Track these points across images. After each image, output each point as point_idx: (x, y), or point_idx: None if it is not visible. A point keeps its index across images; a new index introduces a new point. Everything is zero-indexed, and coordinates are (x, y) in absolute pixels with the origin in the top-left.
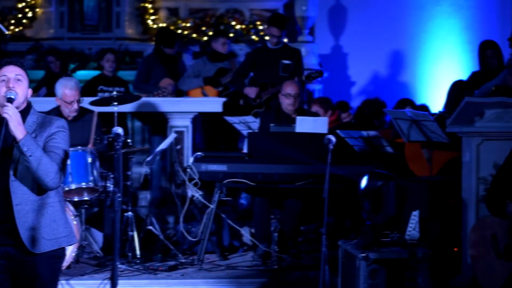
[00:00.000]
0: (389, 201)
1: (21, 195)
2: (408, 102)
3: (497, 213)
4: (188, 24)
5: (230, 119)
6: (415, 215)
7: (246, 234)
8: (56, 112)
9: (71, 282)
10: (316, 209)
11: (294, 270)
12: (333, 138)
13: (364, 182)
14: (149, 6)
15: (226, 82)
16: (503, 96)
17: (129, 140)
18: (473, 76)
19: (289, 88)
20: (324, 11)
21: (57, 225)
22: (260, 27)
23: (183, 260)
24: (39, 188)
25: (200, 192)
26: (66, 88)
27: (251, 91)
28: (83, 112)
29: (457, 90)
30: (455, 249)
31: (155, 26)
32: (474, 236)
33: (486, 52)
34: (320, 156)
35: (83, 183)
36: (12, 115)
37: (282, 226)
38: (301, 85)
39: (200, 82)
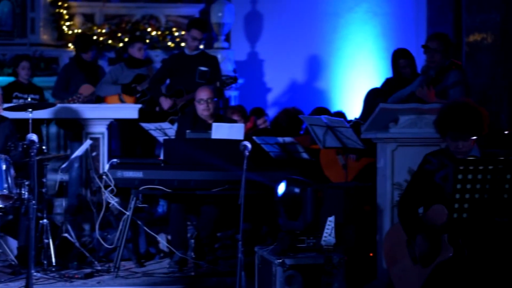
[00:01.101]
0: (306, 207)
1: None
2: (323, 111)
3: (406, 222)
4: (104, 30)
5: (146, 125)
6: (330, 221)
7: (162, 240)
8: None
9: None
10: (233, 215)
11: (210, 276)
12: (248, 145)
13: (281, 188)
14: (64, 12)
15: (143, 88)
16: (417, 102)
17: (44, 147)
18: (387, 82)
19: (202, 94)
20: (240, 17)
21: None
22: (176, 34)
23: (99, 268)
24: None
25: (116, 199)
26: None
27: (165, 103)
28: None
29: (372, 98)
30: (371, 254)
31: (70, 32)
32: (389, 241)
33: (399, 61)
34: (236, 162)
35: None
36: None
37: (198, 232)
38: (216, 91)
39: (118, 89)
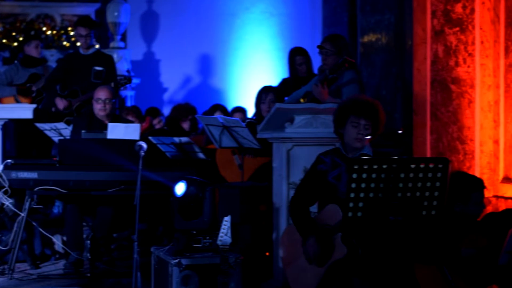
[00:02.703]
0: (205, 207)
1: None
2: (218, 108)
3: (299, 222)
4: None
5: (40, 126)
6: (226, 221)
7: (58, 242)
8: None
9: None
10: (129, 216)
11: (107, 277)
12: (144, 145)
13: (178, 188)
14: None
15: (38, 87)
16: (313, 102)
17: None
18: (283, 82)
19: (100, 93)
20: (136, 17)
21: None
22: (72, 33)
23: None
24: None
25: (11, 200)
26: None
27: (60, 103)
28: None
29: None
30: (267, 253)
31: None
32: (285, 241)
33: (295, 58)
34: (132, 163)
35: None
36: None
37: (94, 233)
38: (114, 91)
39: (13, 91)
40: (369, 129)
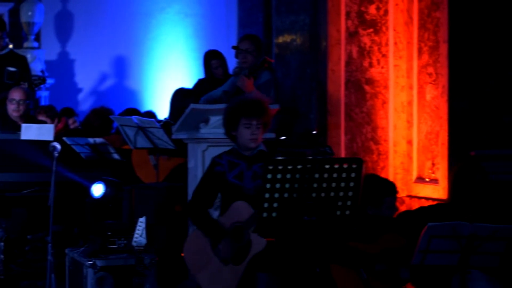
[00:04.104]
0: (122, 208)
1: None
2: (133, 112)
3: (206, 226)
4: None
5: None
6: (142, 222)
7: None
8: None
9: None
10: (43, 217)
11: (21, 279)
12: (58, 146)
13: (95, 189)
14: None
15: None
16: (237, 95)
17: None
18: (199, 83)
19: (15, 94)
20: (51, 17)
21: None
22: None
23: None
24: None
25: None
26: None
27: None
28: None
29: (179, 97)
30: (182, 254)
31: None
32: (190, 249)
33: (211, 62)
34: (47, 164)
35: None
36: None
37: (8, 235)
38: (29, 92)
39: None
40: (261, 127)
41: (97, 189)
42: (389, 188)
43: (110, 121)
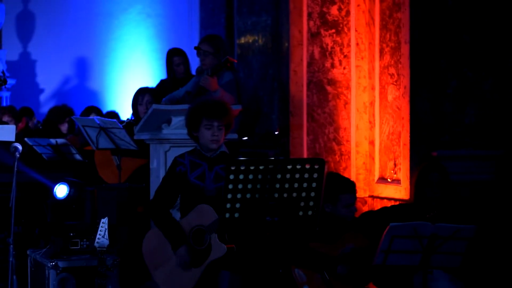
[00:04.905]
0: (85, 209)
1: None
2: (93, 110)
3: (164, 226)
4: None
5: None
6: (104, 222)
7: None
8: None
9: None
10: (4, 218)
11: None
12: (19, 146)
13: (59, 190)
14: None
15: None
16: (190, 104)
17: None
18: (161, 84)
19: None
20: (12, 17)
21: None
22: None
23: None
24: None
25: None
26: None
27: None
28: None
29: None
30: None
31: None
32: (149, 248)
33: (173, 59)
34: (8, 164)
35: None
36: None
37: None
38: None
39: None
40: (223, 129)
41: (61, 190)
42: (346, 185)
43: (68, 118)
